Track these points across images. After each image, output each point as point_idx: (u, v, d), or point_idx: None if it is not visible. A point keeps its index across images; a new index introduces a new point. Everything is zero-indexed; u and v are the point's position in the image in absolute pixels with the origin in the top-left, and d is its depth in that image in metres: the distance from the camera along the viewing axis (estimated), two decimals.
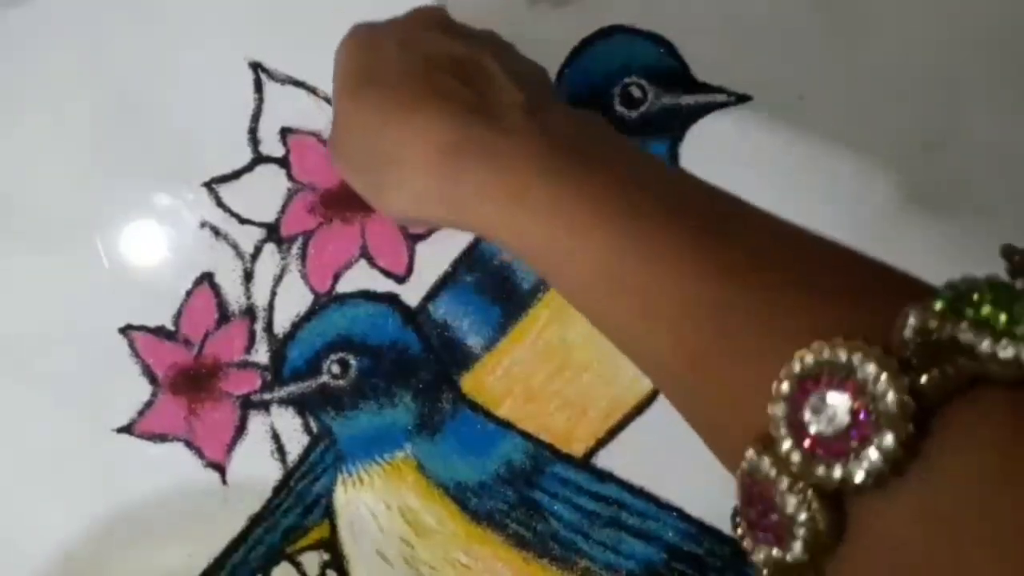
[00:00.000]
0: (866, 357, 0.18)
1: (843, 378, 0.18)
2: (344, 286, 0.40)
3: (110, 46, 0.40)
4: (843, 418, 0.18)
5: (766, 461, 0.19)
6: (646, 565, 0.39)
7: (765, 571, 0.21)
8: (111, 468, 0.40)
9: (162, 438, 0.40)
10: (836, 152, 0.38)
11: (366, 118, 0.30)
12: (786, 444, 0.19)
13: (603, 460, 0.39)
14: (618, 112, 0.39)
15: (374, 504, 0.40)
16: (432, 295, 0.40)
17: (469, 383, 0.39)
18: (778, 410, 0.19)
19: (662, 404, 0.39)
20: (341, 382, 0.40)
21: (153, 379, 0.40)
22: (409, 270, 0.40)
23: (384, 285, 0.40)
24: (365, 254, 0.40)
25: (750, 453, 0.20)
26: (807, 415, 0.18)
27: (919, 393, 0.18)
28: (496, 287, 0.39)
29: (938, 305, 0.18)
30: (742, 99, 0.38)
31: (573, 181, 0.26)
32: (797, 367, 0.19)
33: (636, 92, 0.39)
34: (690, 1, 0.38)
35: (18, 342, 0.40)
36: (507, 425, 0.39)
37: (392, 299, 0.40)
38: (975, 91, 0.38)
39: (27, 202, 0.40)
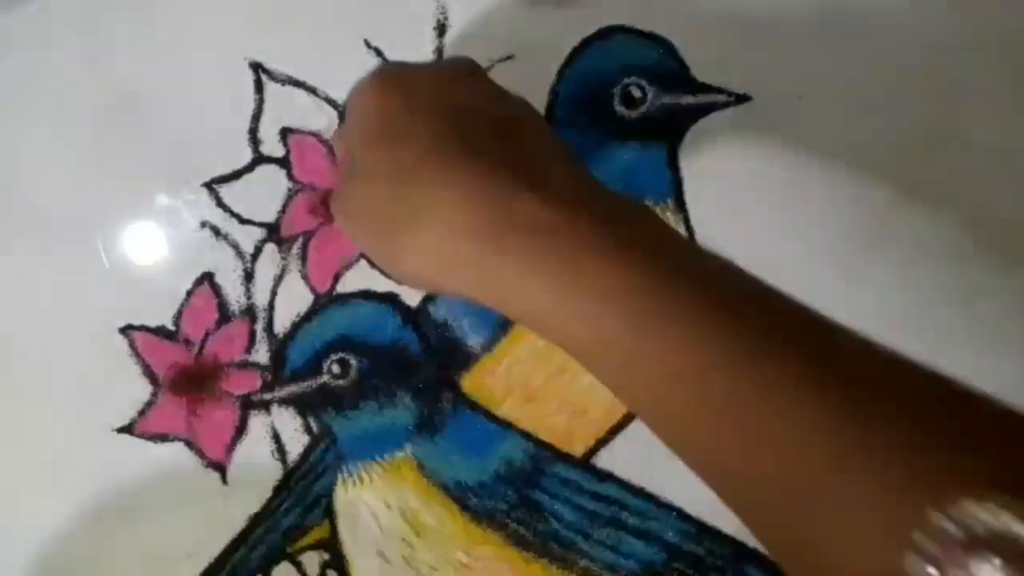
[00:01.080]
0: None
1: (1006, 547, 0.16)
2: (344, 286, 0.40)
3: (110, 46, 0.40)
4: None
5: None
6: (646, 565, 0.39)
7: None
8: (111, 468, 0.40)
9: (162, 438, 0.40)
10: (836, 152, 0.38)
11: (389, 174, 0.27)
12: None
13: (603, 460, 0.39)
14: (618, 112, 0.39)
15: (374, 504, 0.40)
16: (432, 295, 0.40)
17: (469, 383, 0.39)
18: (920, 569, 0.17)
19: None
20: (341, 382, 0.40)
21: (153, 379, 0.40)
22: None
23: (384, 285, 0.40)
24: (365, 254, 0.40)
25: None
26: None
27: None
28: None
29: None
30: (742, 99, 0.38)
31: (662, 269, 0.24)
32: (938, 522, 0.17)
33: (636, 92, 0.39)
34: (690, 1, 0.38)
35: (18, 342, 0.40)
36: (507, 425, 0.39)
37: (392, 299, 0.40)
38: (975, 91, 0.38)
39: (27, 202, 0.40)
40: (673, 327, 0.23)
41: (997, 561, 0.16)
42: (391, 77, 0.30)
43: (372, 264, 0.40)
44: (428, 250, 0.26)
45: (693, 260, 0.26)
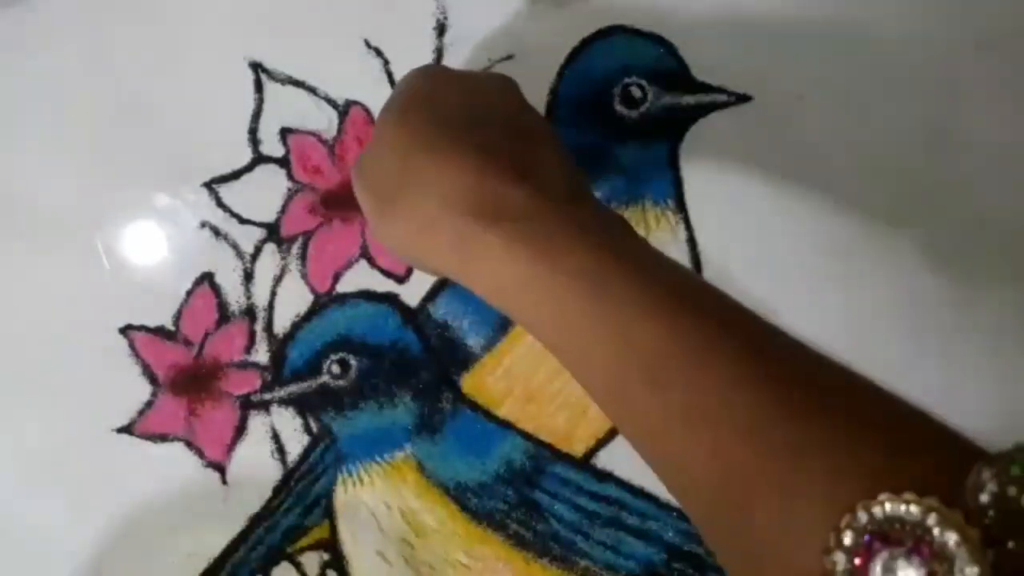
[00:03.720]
0: (946, 522, 0.17)
1: (916, 541, 0.17)
2: (344, 286, 0.40)
3: (110, 46, 0.40)
4: None
5: None
6: (646, 565, 0.39)
7: None
8: (111, 468, 0.40)
9: (162, 438, 0.40)
10: (836, 152, 0.38)
11: (404, 138, 0.29)
12: None
13: (603, 460, 0.39)
14: (618, 112, 0.39)
15: (374, 504, 0.40)
16: (432, 295, 0.40)
17: (469, 383, 0.39)
18: (838, 561, 0.18)
19: None
20: (341, 382, 0.40)
21: (153, 379, 0.40)
22: (409, 270, 0.40)
23: (384, 285, 0.40)
24: (365, 254, 0.40)
25: None
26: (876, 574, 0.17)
27: (997, 566, 0.17)
28: None
29: (1015, 470, 0.17)
30: (742, 99, 0.38)
31: (629, 258, 0.25)
32: (864, 518, 0.18)
33: (636, 92, 0.39)
34: (690, 1, 0.38)
35: (18, 342, 0.40)
36: (507, 425, 0.39)
37: (392, 299, 0.40)
38: (975, 91, 0.38)
39: (27, 202, 0.40)
40: (630, 310, 0.24)
41: (914, 558, 0.17)
42: (437, 69, 0.33)
43: (371, 263, 0.40)
44: (415, 214, 0.28)
45: (660, 262, 0.27)
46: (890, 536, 0.18)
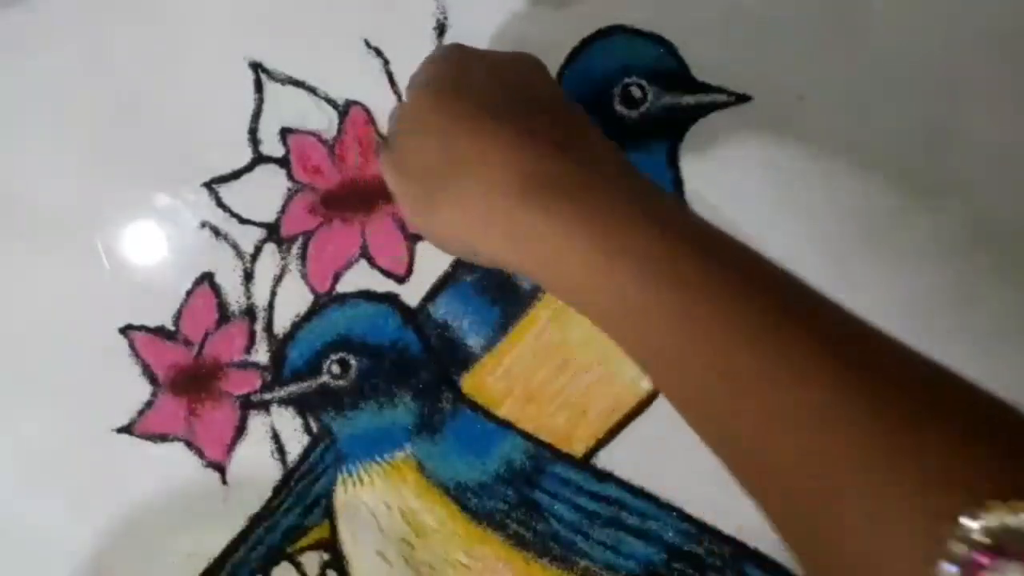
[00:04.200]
0: None
1: None
2: (344, 286, 0.40)
3: (110, 46, 0.40)
4: None
5: None
6: (646, 565, 0.39)
7: None
8: (111, 468, 0.40)
9: (162, 438, 0.40)
10: (836, 152, 0.38)
11: (443, 122, 0.28)
12: None
13: (603, 460, 0.39)
14: (618, 112, 0.39)
15: (374, 504, 0.40)
16: (432, 295, 0.40)
17: (469, 383, 0.39)
18: (949, 572, 0.17)
19: (662, 404, 0.39)
20: (341, 382, 0.40)
21: (153, 379, 0.40)
22: (409, 270, 0.40)
23: (384, 285, 0.40)
24: (365, 254, 0.40)
25: None
26: None
27: None
28: (496, 287, 0.39)
29: None
30: (742, 99, 0.38)
31: (695, 240, 0.24)
32: (975, 527, 0.17)
33: (636, 92, 0.39)
34: (690, 1, 0.38)
35: (18, 342, 0.40)
36: (507, 425, 0.39)
37: (392, 299, 0.40)
38: (975, 91, 0.38)
39: (27, 202, 0.40)
40: (692, 290, 0.23)
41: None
42: (466, 50, 0.32)
43: (371, 263, 0.40)
44: (464, 203, 0.27)
45: (722, 239, 0.26)
46: (1006, 548, 0.17)
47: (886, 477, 0.19)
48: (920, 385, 0.21)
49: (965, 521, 0.17)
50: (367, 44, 0.39)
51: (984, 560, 0.17)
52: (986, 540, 0.17)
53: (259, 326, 0.40)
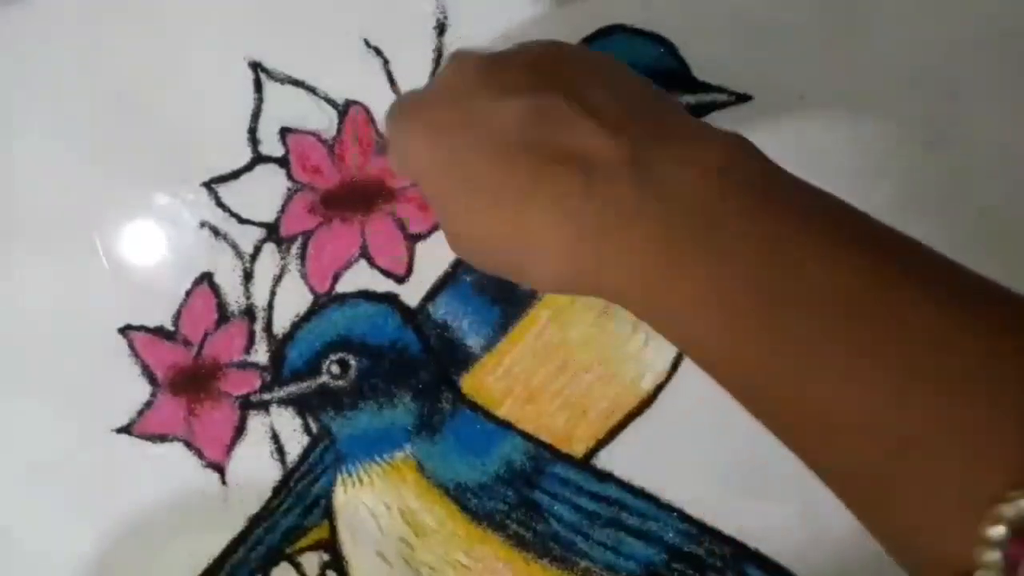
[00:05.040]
0: None
1: None
2: (344, 286, 0.40)
3: (110, 46, 0.40)
4: None
5: None
6: (646, 565, 0.39)
7: None
8: (110, 468, 0.40)
9: (162, 438, 0.40)
10: (836, 152, 0.38)
11: (480, 237, 0.28)
12: None
13: (603, 460, 0.39)
14: None
15: (374, 504, 0.39)
16: (432, 295, 0.40)
17: (469, 383, 0.39)
18: (989, 557, 0.17)
19: (662, 404, 0.39)
20: (341, 382, 0.40)
21: (152, 379, 0.40)
22: (409, 270, 0.40)
23: (384, 285, 0.40)
24: (365, 254, 0.40)
25: None
26: None
27: None
28: (496, 287, 0.39)
29: None
30: (742, 99, 0.38)
31: (698, 271, 0.23)
32: (1010, 511, 0.17)
33: None
34: (690, 1, 0.38)
35: (17, 342, 0.40)
36: (507, 425, 0.39)
37: (392, 299, 0.40)
38: (975, 91, 0.38)
39: (27, 202, 0.40)
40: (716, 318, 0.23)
41: None
42: (419, 115, 0.29)
43: (370, 263, 0.40)
44: (544, 274, 0.27)
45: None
46: None
47: (937, 451, 0.19)
48: (968, 348, 0.20)
49: (1003, 506, 0.17)
50: (367, 44, 0.39)
51: (1018, 548, 0.17)
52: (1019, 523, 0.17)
53: (258, 326, 0.40)
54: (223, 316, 0.40)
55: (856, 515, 0.22)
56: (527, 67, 0.28)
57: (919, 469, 0.19)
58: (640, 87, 0.29)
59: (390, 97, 0.39)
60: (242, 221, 0.40)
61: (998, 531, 0.17)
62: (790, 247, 0.22)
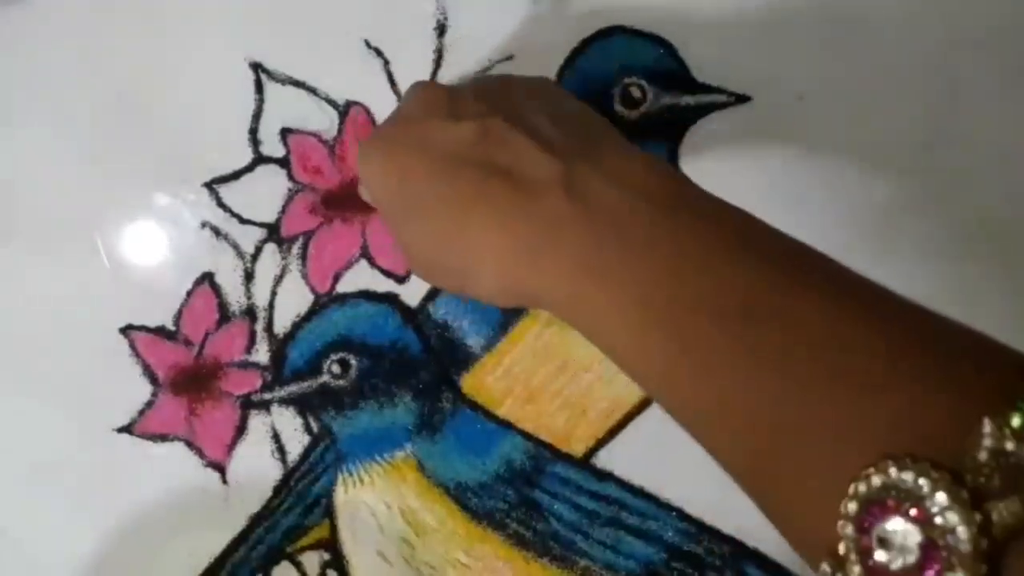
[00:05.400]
0: (935, 484, 0.17)
1: (911, 505, 0.17)
2: (344, 286, 0.40)
3: (110, 46, 0.40)
4: (913, 552, 0.17)
5: None
6: (646, 564, 0.39)
7: None
8: (111, 468, 0.40)
9: (162, 438, 0.40)
10: (836, 152, 0.38)
11: (426, 250, 0.29)
12: (856, 570, 0.18)
13: (603, 460, 0.39)
14: (618, 112, 0.39)
15: (374, 504, 0.40)
16: (432, 295, 0.40)
17: (469, 383, 0.39)
18: (847, 531, 0.18)
19: None
20: (341, 382, 0.40)
21: (153, 379, 0.40)
22: (409, 270, 0.40)
23: (384, 285, 0.40)
24: (365, 254, 0.40)
25: (824, 568, 0.19)
26: (874, 543, 0.18)
27: (994, 524, 0.16)
28: None
29: (1016, 421, 0.17)
30: (742, 99, 0.39)
31: (621, 276, 0.25)
32: (863, 488, 0.18)
33: (636, 92, 0.39)
34: (690, 1, 0.38)
35: (18, 342, 0.40)
36: (507, 425, 0.39)
37: (392, 299, 0.40)
38: (975, 91, 0.38)
39: (27, 202, 0.40)
40: (633, 315, 0.25)
41: (910, 524, 0.17)
42: (380, 147, 0.31)
43: (371, 263, 0.40)
44: (488, 287, 0.28)
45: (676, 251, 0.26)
46: (887, 503, 0.18)
47: (808, 433, 0.21)
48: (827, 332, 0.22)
49: (859, 483, 0.18)
50: (367, 44, 0.39)
51: (870, 516, 0.18)
52: (870, 496, 0.18)
53: (259, 326, 0.40)
54: (224, 316, 0.40)
55: (752, 500, 0.24)
56: (476, 95, 0.30)
57: (794, 456, 0.21)
58: (578, 112, 0.31)
59: (391, 97, 0.39)
60: (243, 221, 0.40)
61: (852, 506, 0.18)
62: (695, 255, 0.24)
